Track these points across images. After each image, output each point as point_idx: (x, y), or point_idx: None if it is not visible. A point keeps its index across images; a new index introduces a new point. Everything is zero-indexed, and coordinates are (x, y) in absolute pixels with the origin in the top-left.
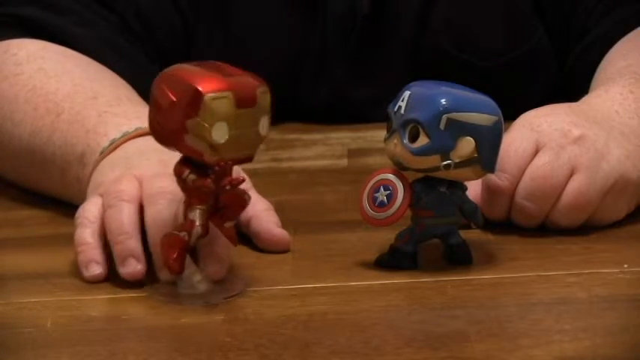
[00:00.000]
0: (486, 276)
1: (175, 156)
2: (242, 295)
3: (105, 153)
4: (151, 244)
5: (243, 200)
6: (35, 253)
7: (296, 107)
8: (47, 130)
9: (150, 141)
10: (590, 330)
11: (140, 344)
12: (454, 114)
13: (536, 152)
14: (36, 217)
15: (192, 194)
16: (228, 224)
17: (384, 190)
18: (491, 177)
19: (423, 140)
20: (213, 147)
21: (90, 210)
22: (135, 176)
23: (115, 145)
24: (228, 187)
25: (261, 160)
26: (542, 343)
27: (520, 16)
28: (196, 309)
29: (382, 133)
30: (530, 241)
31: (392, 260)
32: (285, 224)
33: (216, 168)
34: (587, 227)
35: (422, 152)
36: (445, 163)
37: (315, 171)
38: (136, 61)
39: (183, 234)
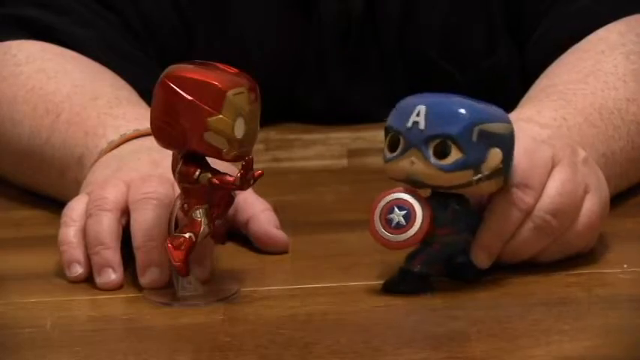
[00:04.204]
0: (486, 276)
1: (167, 155)
2: (241, 296)
3: (101, 154)
4: (135, 248)
5: (231, 198)
6: (35, 253)
7: (294, 108)
8: (46, 130)
9: (145, 141)
10: (590, 330)
11: (140, 344)
12: (483, 125)
13: (552, 168)
14: (36, 217)
15: (192, 194)
16: (217, 222)
17: (399, 210)
18: (516, 192)
19: (455, 155)
20: (232, 143)
21: (74, 208)
22: (123, 180)
23: (112, 147)
24: (252, 182)
25: (261, 160)
26: (542, 343)
27: (494, 24)
28: (196, 309)
29: (382, 133)
30: None
31: (404, 285)
32: (284, 224)
33: (243, 163)
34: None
35: (456, 168)
36: (477, 177)
37: (314, 171)
38: (137, 62)
39: (188, 235)
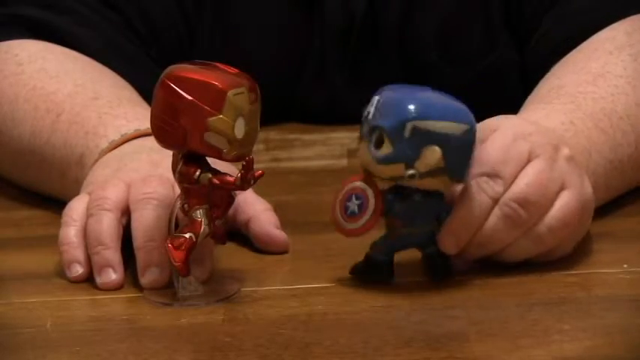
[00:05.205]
0: (486, 276)
1: (167, 155)
2: (241, 296)
3: (102, 154)
4: (135, 248)
5: (231, 198)
6: (35, 253)
7: (294, 108)
8: (47, 130)
9: (146, 141)
10: (590, 330)
11: (140, 344)
12: (420, 122)
13: (528, 162)
14: (36, 217)
15: (193, 194)
16: (218, 222)
17: (356, 199)
18: (486, 181)
19: (386, 148)
20: (233, 143)
21: (75, 208)
22: (123, 180)
23: (112, 147)
24: (253, 182)
25: (261, 160)
26: (542, 343)
27: (493, 24)
28: (196, 309)
29: None
30: None
31: (366, 270)
32: (284, 224)
33: (244, 163)
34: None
35: (385, 160)
36: (410, 172)
37: (315, 171)
38: (138, 62)
39: (189, 235)
